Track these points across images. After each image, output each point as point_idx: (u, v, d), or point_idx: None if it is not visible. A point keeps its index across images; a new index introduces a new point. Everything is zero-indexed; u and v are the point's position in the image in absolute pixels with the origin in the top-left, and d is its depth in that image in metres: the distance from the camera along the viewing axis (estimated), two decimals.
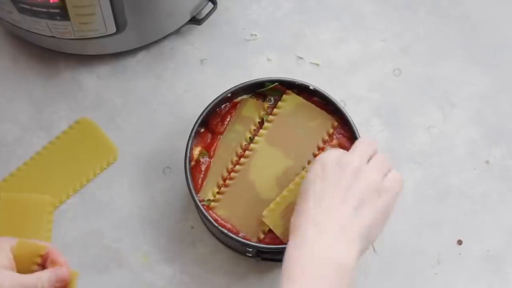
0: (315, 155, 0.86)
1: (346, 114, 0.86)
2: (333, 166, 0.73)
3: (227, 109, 0.88)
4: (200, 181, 0.85)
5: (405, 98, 0.98)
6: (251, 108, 0.88)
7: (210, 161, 0.86)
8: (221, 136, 0.87)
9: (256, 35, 1.00)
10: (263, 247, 0.82)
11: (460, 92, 0.98)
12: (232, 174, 0.86)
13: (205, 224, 0.90)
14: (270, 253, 0.84)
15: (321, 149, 0.86)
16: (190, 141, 0.85)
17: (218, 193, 0.85)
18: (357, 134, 0.85)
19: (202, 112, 0.86)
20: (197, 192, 0.84)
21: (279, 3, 1.02)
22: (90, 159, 0.94)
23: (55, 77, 0.98)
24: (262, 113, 0.88)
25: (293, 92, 0.88)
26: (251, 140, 0.87)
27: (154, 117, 0.96)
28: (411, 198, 0.93)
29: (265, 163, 0.86)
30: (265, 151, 0.86)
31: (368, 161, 0.75)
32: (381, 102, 0.98)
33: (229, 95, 0.87)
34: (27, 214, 0.90)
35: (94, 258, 0.90)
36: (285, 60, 0.99)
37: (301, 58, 1.00)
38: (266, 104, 0.89)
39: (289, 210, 0.84)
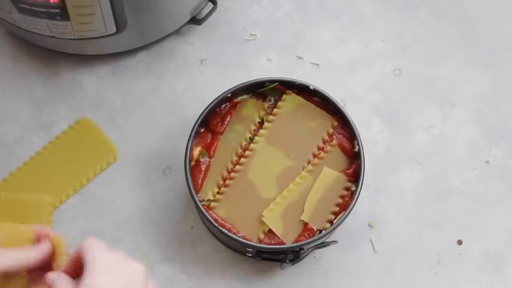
0: (315, 155, 0.86)
1: (346, 114, 0.86)
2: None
3: (227, 109, 0.88)
4: (200, 181, 0.85)
5: (405, 98, 0.98)
6: (251, 108, 0.88)
7: (210, 161, 0.86)
8: (221, 136, 0.87)
9: (256, 35, 1.00)
10: (263, 247, 0.82)
11: (460, 92, 0.98)
12: (232, 174, 0.86)
13: (205, 224, 0.90)
14: (270, 253, 0.84)
15: (321, 149, 0.87)
16: (190, 141, 0.85)
17: (218, 193, 0.85)
18: (357, 134, 0.85)
19: (202, 112, 0.86)
20: (197, 192, 0.84)
21: (279, 3, 1.02)
22: (90, 159, 0.94)
23: (55, 77, 0.98)
24: (262, 113, 0.88)
25: (293, 92, 0.88)
26: (251, 140, 0.87)
27: (154, 117, 0.96)
28: (411, 198, 0.93)
29: (265, 163, 0.86)
30: (265, 151, 0.86)
31: None
32: (381, 102, 0.98)
33: (229, 95, 0.87)
34: (27, 214, 0.90)
35: None
36: (285, 60, 0.99)
37: (301, 58, 1.00)
38: (266, 104, 0.89)
39: (289, 210, 0.84)
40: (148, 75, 0.98)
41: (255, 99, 0.89)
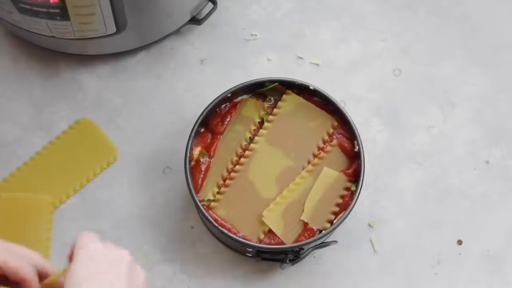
0: (315, 155, 0.86)
1: (346, 114, 0.86)
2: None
3: (227, 109, 0.88)
4: (200, 181, 0.85)
5: (405, 98, 0.98)
6: (251, 108, 0.88)
7: (210, 161, 0.86)
8: (221, 136, 0.87)
9: (256, 35, 1.00)
10: (263, 247, 0.82)
11: (460, 92, 0.98)
12: (232, 174, 0.86)
13: (205, 224, 0.90)
14: (270, 253, 0.84)
15: (321, 149, 0.87)
16: (190, 141, 0.85)
17: (218, 193, 0.85)
18: (357, 134, 0.85)
19: (202, 112, 0.86)
20: (197, 192, 0.84)
21: (279, 3, 1.02)
22: (90, 159, 0.94)
23: (55, 77, 0.98)
24: (262, 113, 0.88)
25: (293, 92, 0.88)
26: (251, 140, 0.87)
27: (154, 117, 0.96)
28: (411, 198, 0.93)
29: (265, 163, 0.86)
30: (265, 151, 0.86)
31: None
32: (381, 102, 0.98)
33: (229, 95, 0.87)
34: (27, 214, 0.90)
35: None
36: (285, 60, 0.99)
37: (301, 58, 1.00)
38: (266, 104, 0.89)
39: (289, 210, 0.84)
40: (148, 75, 0.98)
41: (255, 99, 0.89)
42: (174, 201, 0.93)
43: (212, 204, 0.85)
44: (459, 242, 0.92)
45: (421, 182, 0.94)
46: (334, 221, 0.83)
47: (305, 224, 0.83)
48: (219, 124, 0.87)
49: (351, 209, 0.83)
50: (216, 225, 0.82)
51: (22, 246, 0.65)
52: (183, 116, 0.96)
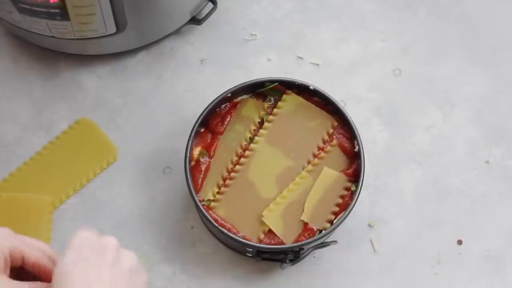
0: (315, 155, 0.86)
1: (346, 114, 0.86)
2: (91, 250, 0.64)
3: (227, 109, 0.88)
4: (200, 181, 0.85)
5: (405, 98, 0.98)
6: (251, 108, 0.88)
7: (210, 161, 0.86)
8: (221, 136, 0.87)
9: (256, 35, 1.00)
10: (263, 247, 0.82)
11: (460, 92, 0.98)
12: (232, 174, 0.86)
13: (205, 224, 0.90)
14: (270, 253, 0.84)
15: (321, 149, 0.87)
16: (190, 141, 0.85)
17: (218, 193, 0.85)
18: (357, 134, 0.85)
19: (202, 112, 0.86)
20: (197, 192, 0.84)
21: (279, 3, 1.02)
22: (90, 159, 0.94)
23: (55, 77, 0.98)
24: (262, 113, 0.88)
25: (293, 92, 0.88)
26: (251, 140, 0.87)
27: (154, 117, 0.96)
28: (411, 198, 0.93)
29: (265, 163, 0.86)
30: (265, 151, 0.86)
31: None
32: (381, 102, 0.98)
33: (229, 95, 0.87)
34: (27, 214, 0.90)
35: None
36: (285, 60, 0.99)
37: (301, 58, 1.00)
38: (266, 104, 0.89)
39: (289, 210, 0.84)
40: (148, 75, 0.98)
41: (255, 99, 0.89)
42: (174, 201, 0.93)
43: (212, 204, 0.85)
44: (459, 242, 0.92)
45: (421, 182, 0.94)
46: (334, 221, 0.83)
47: (305, 224, 0.83)
48: (219, 124, 0.87)
49: (351, 209, 0.83)
50: (216, 225, 0.82)
51: (32, 238, 0.66)
52: (183, 116, 0.96)
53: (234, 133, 0.87)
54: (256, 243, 0.83)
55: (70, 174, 0.93)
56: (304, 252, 0.85)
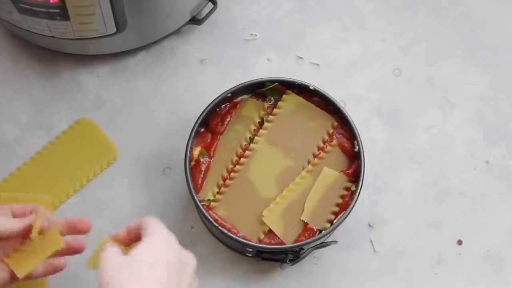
0: (315, 155, 0.86)
1: (346, 114, 0.86)
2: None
3: (227, 109, 0.88)
4: (200, 181, 0.85)
5: (405, 98, 0.98)
6: (251, 108, 0.88)
7: (210, 161, 0.86)
8: (221, 136, 0.87)
9: (256, 35, 1.00)
10: (263, 247, 0.82)
11: (460, 92, 0.98)
12: (232, 174, 0.86)
13: (205, 224, 0.90)
14: (270, 253, 0.84)
15: (321, 149, 0.87)
16: (190, 141, 0.85)
17: (218, 193, 0.85)
18: (357, 134, 0.85)
19: (202, 112, 0.86)
20: (197, 192, 0.84)
21: (279, 3, 1.02)
22: (90, 159, 0.94)
23: (55, 77, 0.98)
24: (262, 113, 0.88)
25: (293, 92, 0.88)
26: (251, 140, 0.87)
27: (154, 117, 0.96)
28: (411, 198, 0.93)
29: (265, 163, 0.86)
30: (265, 151, 0.86)
31: None
32: (381, 102, 0.98)
33: (229, 95, 0.87)
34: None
35: None
36: (285, 60, 0.99)
37: (301, 58, 1.00)
38: (266, 104, 0.89)
39: (289, 210, 0.84)
40: (148, 75, 0.98)
41: (255, 99, 0.89)
42: (174, 201, 0.93)
43: (212, 204, 0.85)
44: (459, 242, 0.92)
45: (421, 182, 0.94)
46: (334, 221, 0.83)
47: (305, 224, 0.83)
48: (219, 124, 0.87)
49: (351, 209, 0.83)
50: (216, 225, 0.82)
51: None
52: (183, 116, 0.96)
53: (234, 133, 0.87)
54: (256, 243, 0.83)
55: (70, 174, 0.93)
56: (304, 252, 0.85)
